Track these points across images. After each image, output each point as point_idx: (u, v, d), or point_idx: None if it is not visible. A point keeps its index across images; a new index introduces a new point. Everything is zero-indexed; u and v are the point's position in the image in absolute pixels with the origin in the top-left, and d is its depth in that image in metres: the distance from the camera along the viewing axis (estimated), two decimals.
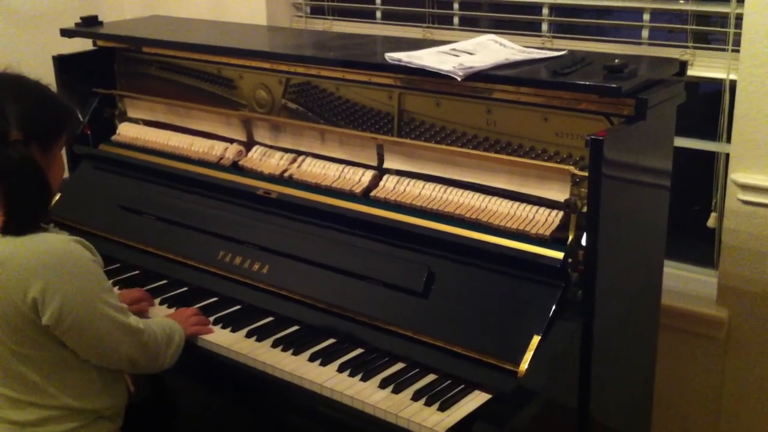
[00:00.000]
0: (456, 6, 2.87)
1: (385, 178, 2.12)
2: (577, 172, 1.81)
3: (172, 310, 2.08)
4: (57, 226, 1.78)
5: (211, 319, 2.03)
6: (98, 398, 1.78)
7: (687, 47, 2.38)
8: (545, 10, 2.64)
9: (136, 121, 2.71)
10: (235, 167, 2.38)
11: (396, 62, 1.99)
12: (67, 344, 1.70)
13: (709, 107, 2.39)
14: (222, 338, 1.96)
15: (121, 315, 1.74)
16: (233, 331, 1.98)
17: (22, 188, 1.66)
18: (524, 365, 1.68)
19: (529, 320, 1.73)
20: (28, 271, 1.63)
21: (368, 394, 1.73)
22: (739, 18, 2.21)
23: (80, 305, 1.65)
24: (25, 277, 1.62)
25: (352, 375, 1.79)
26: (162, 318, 1.93)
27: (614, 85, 1.71)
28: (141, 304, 2.08)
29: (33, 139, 1.68)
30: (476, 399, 1.70)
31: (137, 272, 2.29)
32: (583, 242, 1.74)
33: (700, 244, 2.48)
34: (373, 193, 2.10)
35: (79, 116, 1.85)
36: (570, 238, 1.79)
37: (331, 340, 1.93)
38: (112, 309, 1.72)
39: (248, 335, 1.96)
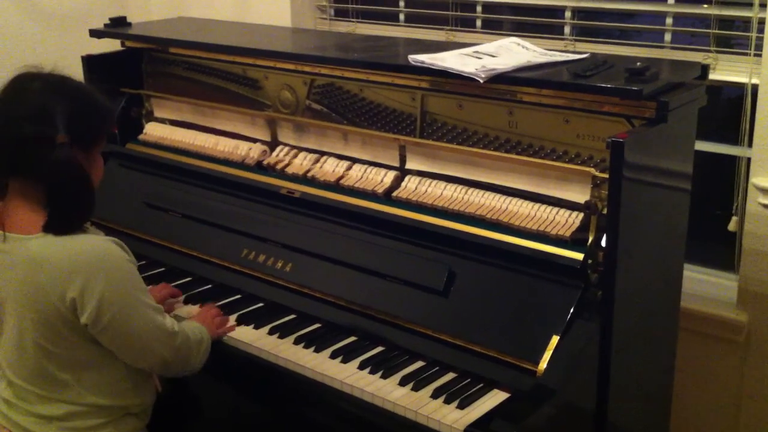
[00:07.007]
0: (479, 9, 2.88)
1: (407, 178, 2.14)
2: (597, 173, 1.82)
3: (197, 307, 2.11)
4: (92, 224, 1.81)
5: (234, 316, 2.06)
6: (127, 396, 1.80)
7: (709, 51, 2.38)
8: (568, 14, 2.65)
9: (162, 120, 2.75)
10: (260, 167, 2.41)
11: (419, 64, 2.01)
12: (104, 344, 1.71)
13: (731, 111, 2.39)
14: (245, 335, 1.99)
15: (157, 315, 1.75)
16: (256, 328, 2.01)
17: (66, 190, 1.68)
18: (543, 365, 1.70)
19: (549, 320, 1.74)
20: (67, 271, 1.64)
21: (388, 391, 1.75)
22: (762, 22, 2.21)
23: (118, 304, 1.67)
24: (64, 277, 1.64)
25: (372, 372, 1.81)
26: (191, 322, 1.93)
27: (635, 88, 1.72)
28: (169, 301, 2.11)
29: (76, 141, 1.69)
30: (495, 397, 1.72)
31: (162, 269, 2.32)
32: (603, 244, 1.75)
33: (720, 248, 2.48)
34: (395, 194, 2.12)
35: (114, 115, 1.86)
36: (590, 239, 1.80)
37: (352, 338, 1.95)
38: (148, 309, 1.73)
39: (271, 332, 1.99)
